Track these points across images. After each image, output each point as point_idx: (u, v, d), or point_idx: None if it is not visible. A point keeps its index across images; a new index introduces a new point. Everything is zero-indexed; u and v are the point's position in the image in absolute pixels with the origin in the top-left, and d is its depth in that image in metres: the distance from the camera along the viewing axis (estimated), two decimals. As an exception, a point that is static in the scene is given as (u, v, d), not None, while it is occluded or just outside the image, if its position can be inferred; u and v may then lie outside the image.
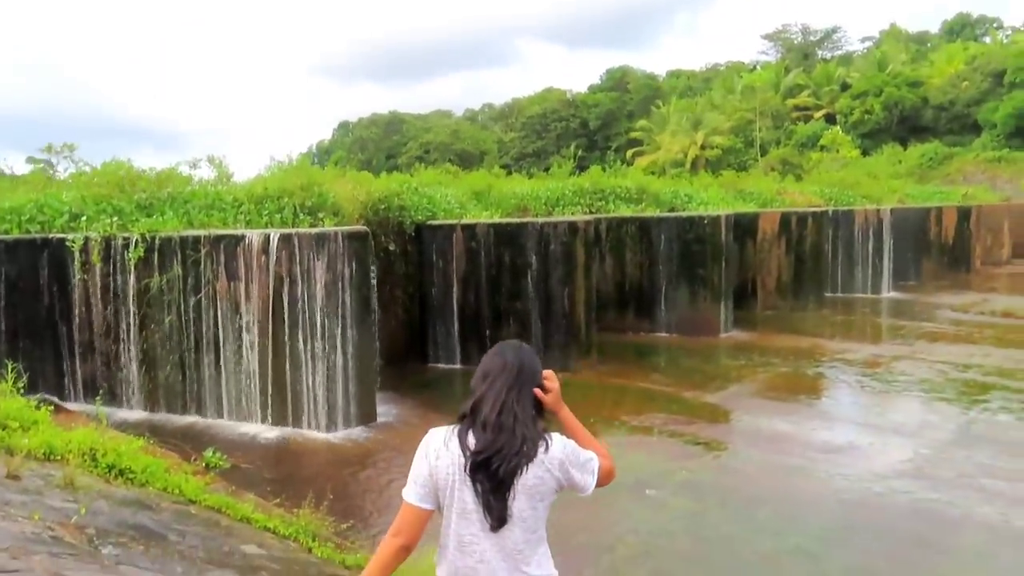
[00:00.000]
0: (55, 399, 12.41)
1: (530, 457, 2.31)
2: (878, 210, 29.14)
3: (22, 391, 8.12)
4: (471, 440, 2.36)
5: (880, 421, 13.52)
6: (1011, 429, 12.99)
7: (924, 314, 24.89)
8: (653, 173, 39.15)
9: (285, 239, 12.09)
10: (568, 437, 2.55)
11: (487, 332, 17.37)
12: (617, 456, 9.42)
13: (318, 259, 11.95)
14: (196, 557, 5.07)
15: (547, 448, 2.36)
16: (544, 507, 2.41)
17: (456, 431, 2.43)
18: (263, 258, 12.17)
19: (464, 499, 2.35)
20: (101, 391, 13.12)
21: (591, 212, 21.97)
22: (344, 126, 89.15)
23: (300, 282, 12.07)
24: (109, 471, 6.84)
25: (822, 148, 53.48)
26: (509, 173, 36.45)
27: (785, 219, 25.17)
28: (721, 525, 9.17)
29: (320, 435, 12.42)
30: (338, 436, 12.44)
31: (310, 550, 6.93)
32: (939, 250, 32.01)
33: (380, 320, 14.83)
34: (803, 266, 25.20)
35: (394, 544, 2.47)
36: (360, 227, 13.30)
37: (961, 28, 70.17)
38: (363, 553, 7.20)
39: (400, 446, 12.14)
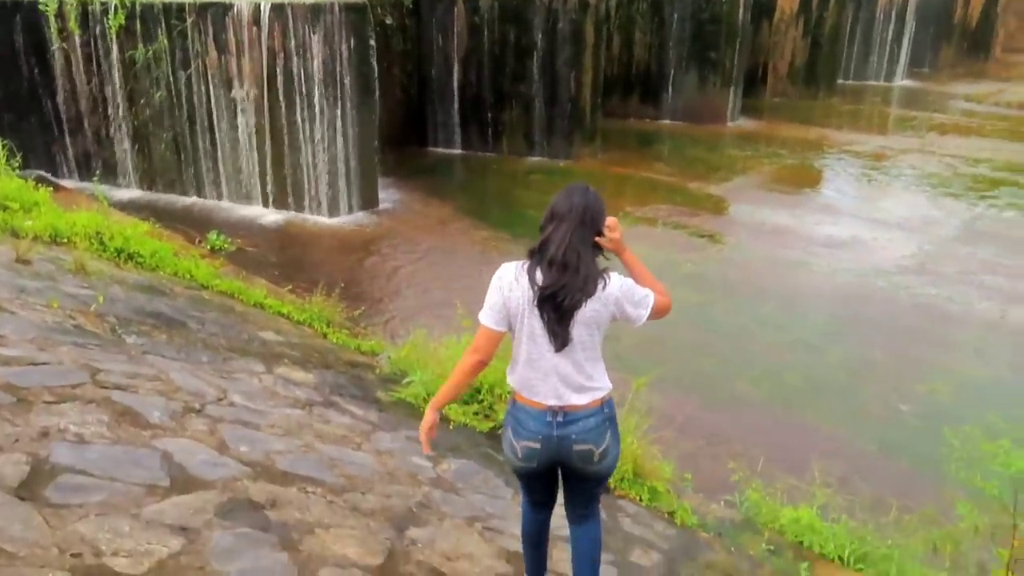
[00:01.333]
0: (51, 177, 12.12)
1: (590, 293, 2.58)
2: (904, -10, 27.31)
3: (17, 170, 7.80)
4: (539, 276, 2.62)
5: (884, 216, 13.46)
6: (1016, 226, 12.99)
7: (937, 104, 24.18)
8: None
9: (277, 10, 11.15)
10: (630, 276, 2.78)
11: (488, 116, 16.77)
12: (623, 247, 9.28)
13: (314, 33, 11.12)
14: (219, 345, 5.06)
15: (605, 286, 2.61)
16: (600, 333, 2.71)
17: (526, 267, 2.67)
18: (254, 30, 11.30)
19: (533, 325, 2.67)
20: (96, 169, 12.76)
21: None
22: None
23: (295, 58, 11.32)
24: (118, 255, 6.73)
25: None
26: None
27: (807, -4, 23.57)
28: (725, 317, 9.34)
29: (322, 220, 12.29)
30: (341, 221, 12.33)
31: (325, 336, 7.00)
32: (960, 35, 30.44)
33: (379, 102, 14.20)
34: (818, 50, 23.96)
35: (473, 359, 2.81)
36: (357, -2, 12.29)
37: None
38: (377, 339, 7.31)
39: (404, 232, 12.09)
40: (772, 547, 4.51)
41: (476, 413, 5.52)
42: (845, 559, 4.40)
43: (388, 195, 13.67)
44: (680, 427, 5.62)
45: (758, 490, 4.89)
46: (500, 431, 3.12)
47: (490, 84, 16.49)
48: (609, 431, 2.79)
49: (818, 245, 11.97)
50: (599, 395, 2.75)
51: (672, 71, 20.60)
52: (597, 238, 2.67)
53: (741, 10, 19.42)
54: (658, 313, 2.74)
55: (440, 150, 17.29)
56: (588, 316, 2.60)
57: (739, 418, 6.95)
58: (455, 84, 16.70)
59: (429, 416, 2.92)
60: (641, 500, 4.79)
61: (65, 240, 6.41)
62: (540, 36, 15.73)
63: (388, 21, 15.67)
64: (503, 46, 16.05)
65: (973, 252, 11.56)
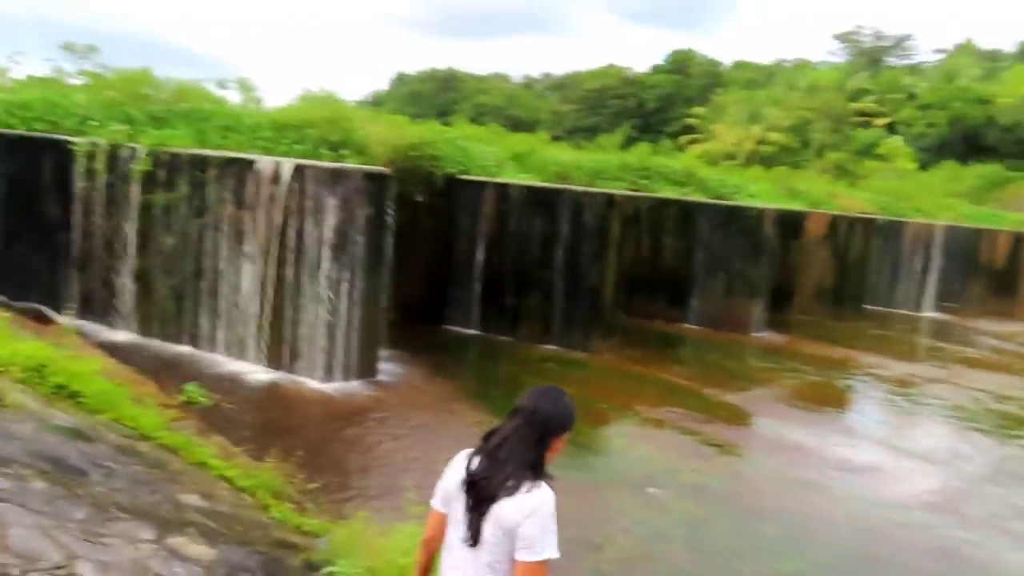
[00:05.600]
0: (45, 310, 11.94)
1: (508, 491, 2.52)
2: (931, 225, 27.75)
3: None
4: (474, 462, 2.67)
5: (908, 445, 12.56)
6: (1051, 472, 11.96)
7: (965, 338, 23.66)
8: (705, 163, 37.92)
9: (298, 170, 11.35)
10: None
11: (508, 300, 16.60)
12: (626, 447, 8.66)
13: (331, 196, 11.21)
14: (111, 503, 4.41)
15: (529, 490, 2.52)
16: (512, 542, 2.53)
17: (471, 452, 2.72)
18: (273, 188, 11.46)
19: (457, 510, 2.66)
20: (95, 307, 12.62)
21: (634, 190, 21.00)
22: (401, 78, 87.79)
23: (310, 218, 11.35)
24: (58, 391, 6.23)
25: (879, 157, 51.39)
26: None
27: (834, 222, 23.94)
28: (723, 537, 8.39)
29: (315, 384, 11.79)
30: (334, 387, 11.81)
31: (266, 507, 6.28)
32: (987, 274, 30.50)
33: (398, 274, 14.10)
34: (846, 274, 24.00)
35: (422, 538, 2.89)
36: (380, 168, 12.53)
37: (1037, 49, 66.81)
38: (325, 519, 6.54)
39: (397, 407, 11.49)
40: None
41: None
42: None
43: (391, 367, 13.23)
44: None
45: None
46: None
47: (512, 269, 16.46)
48: None
49: (834, 468, 11.07)
50: None
51: (699, 277, 20.58)
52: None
53: (767, 225, 19.64)
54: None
55: (457, 329, 17.01)
56: (501, 515, 2.53)
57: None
58: (478, 266, 16.72)
59: None
60: None
61: (1, 369, 5.96)
62: (566, 226, 15.83)
63: (419, 199, 15.95)
64: (528, 233, 16.16)
65: (1004, 494, 10.54)
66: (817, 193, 27.73)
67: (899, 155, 51.48)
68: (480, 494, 2.57)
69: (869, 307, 25.92)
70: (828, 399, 15.33)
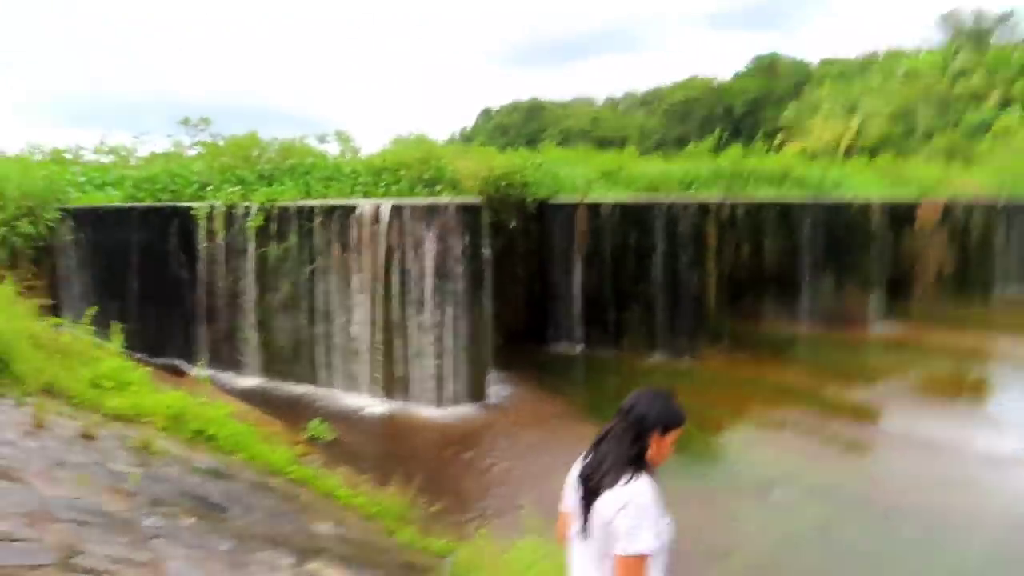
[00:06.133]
0: (183, 364, 12.80)
1: (609, 483, 2.69)
2: (1061, 201, 25.83)
3: (124, 348, 8.13)
4: (586, 459, 2.88)
5: (1060, 433, 11.68)
6: None
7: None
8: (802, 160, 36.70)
9: (396, 209, 11.83)
10: None
11: (609, 315, 16.57)
12: (743, 452, 8.47)
13: (428, 230, 11.61)
14: (252, 534, 4.70)
15: (626, 483, 2.67)
16: (612, 538, 2.64)
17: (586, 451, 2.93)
18: (374, 228, 11.97)
19: (573, 504, 2.85)
20: (223, 357, 13.43)
21: (729, 194, 20.59)
22: (486, 113, 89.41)
23: (410, 253, 11.79)
24: (195, 436, 6.68)
25: (995, 136, 48.29)
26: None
27: (948, 208, 22.68)
28: (858, 539, 8.04)
29: (427, 411, 12.13)
30: (446, 413, 12.11)
31: (393, 531, 6.52)
32: None
33: (499, 299, 14.35)
34: (968, 260, 22.64)
35: (557, 537, 3.11)
36: (473, 199, 12.86)
37: None
38: (449, 540, 6.71)
39: (507, 429, 11.65)
40: None
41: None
42: None
43: (499, 390, 13.43)
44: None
45: None
46: None
47: (611, 284, 16.45)
48: None
49: (978, 462, 10.43)
50: None
51: (806, 276, 19.91)
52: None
53: (875, 215, 18.87)
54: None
55: (560, 348, 17.10)
56: (601, 508, 2.66)
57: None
58: (576, 284, 16.80)
59: None
60: None
61: (145, 419, 6.44)
62: (661, 238, 15.74)
63: (513, 225, 16.22)
64: (624, 248, 16.15)
65: None
66: (927, 179, 26.36)
67: (1017, 129, 48.26)
68: (586, 488, 2.76)
69: (999, 293, 24.36)
70: (962, 390, 14.49)
